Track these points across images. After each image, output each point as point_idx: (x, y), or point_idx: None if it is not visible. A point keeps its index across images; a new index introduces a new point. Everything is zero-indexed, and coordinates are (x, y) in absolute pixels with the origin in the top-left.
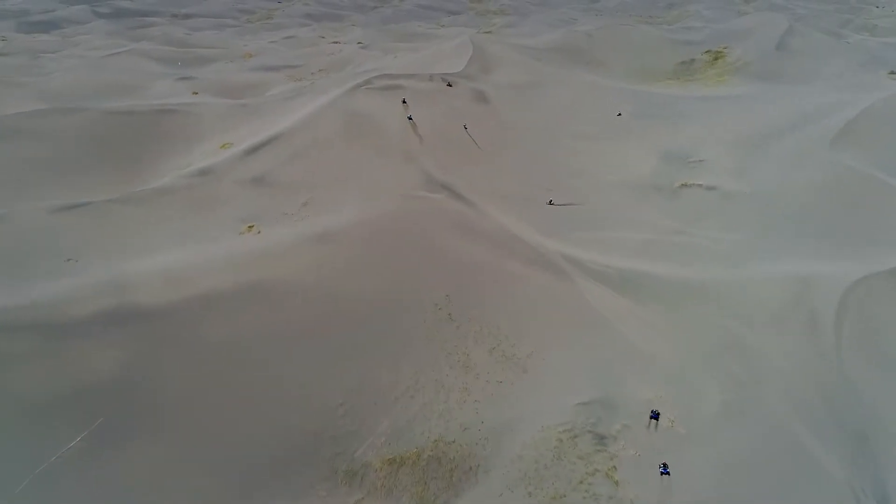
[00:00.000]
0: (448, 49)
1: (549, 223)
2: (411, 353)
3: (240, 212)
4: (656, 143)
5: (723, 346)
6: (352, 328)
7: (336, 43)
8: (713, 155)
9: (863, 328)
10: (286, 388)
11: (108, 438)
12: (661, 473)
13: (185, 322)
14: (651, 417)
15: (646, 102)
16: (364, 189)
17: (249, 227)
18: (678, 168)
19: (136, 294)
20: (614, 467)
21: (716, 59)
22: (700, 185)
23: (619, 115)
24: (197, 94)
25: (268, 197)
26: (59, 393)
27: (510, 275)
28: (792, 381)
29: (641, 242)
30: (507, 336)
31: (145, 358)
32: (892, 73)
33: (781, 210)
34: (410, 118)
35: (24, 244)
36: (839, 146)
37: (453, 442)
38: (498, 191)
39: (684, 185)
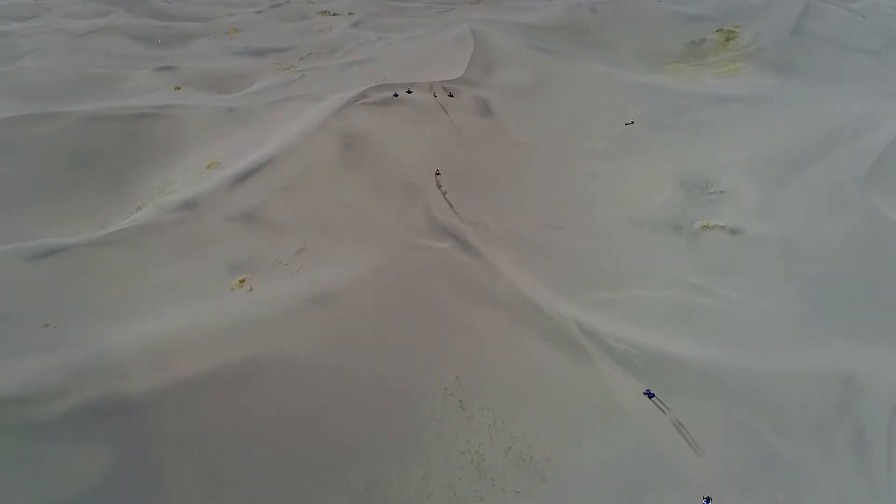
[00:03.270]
0: (448, 40)
1: (563, 278)
2: (420, 450)
3: (229, 257)
4: (672, 164)
5: (761, 464)
6: (353, 416)
7: (324, 13)
8: (735, 184)
9: None
10: (285, 490)
11: None
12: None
13: (171, 413)
14: None
15: (658, 103)
16: (362, 234)
17: (241, 280)
18: (697, 199)
19: (119, 380)
20: None
21: (727, 39)
22: (723, 228)
23: (632, 122)
24: (180, 88)
25: (259, 239)
26: None
27: (525, 354)
28: None
29: (662, 306)
30: (523, 433)
31: (130, 461)
32: None
33: (814, 268)
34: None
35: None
36: (873, 186)
37: None
38: (507, 233)
39: (705, 227)
